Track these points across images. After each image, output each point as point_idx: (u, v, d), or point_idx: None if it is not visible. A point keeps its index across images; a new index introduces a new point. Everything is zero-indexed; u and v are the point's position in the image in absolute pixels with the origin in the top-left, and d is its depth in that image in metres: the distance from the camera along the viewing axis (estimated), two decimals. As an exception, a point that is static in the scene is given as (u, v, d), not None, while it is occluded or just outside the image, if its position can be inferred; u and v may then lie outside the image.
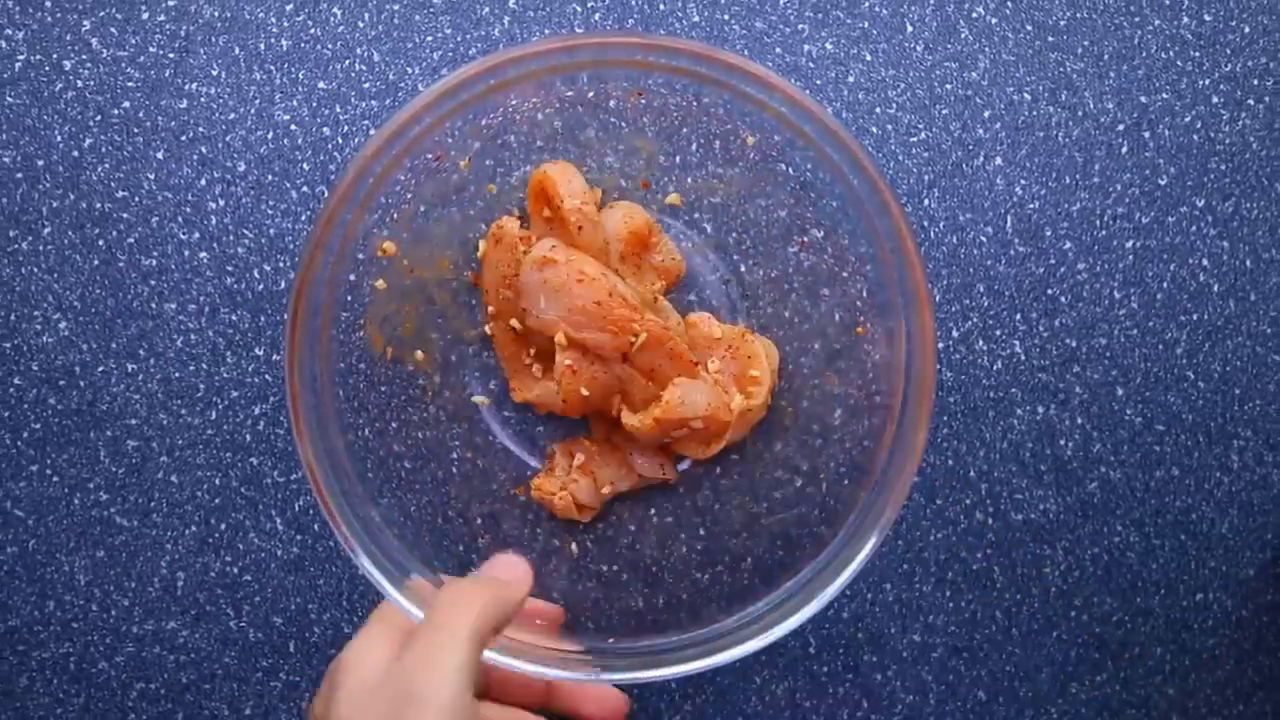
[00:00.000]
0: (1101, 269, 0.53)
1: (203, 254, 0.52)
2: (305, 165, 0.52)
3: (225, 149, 0.52)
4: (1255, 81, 0.54)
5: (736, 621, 0.45)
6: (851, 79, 0.53)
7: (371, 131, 0.52)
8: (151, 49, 0.52)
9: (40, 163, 0.52)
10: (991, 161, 0.53)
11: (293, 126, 0.52)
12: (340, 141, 0.53)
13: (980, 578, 0.53)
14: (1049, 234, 0.53)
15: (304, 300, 0.43)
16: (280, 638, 0.53)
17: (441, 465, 0.51)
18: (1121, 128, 0.54)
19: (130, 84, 0.52)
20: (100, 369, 0.52)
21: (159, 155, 0.53)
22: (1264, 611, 0.54)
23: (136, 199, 0.52)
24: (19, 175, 0.52)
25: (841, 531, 0.45)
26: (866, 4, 0.53)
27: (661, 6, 0.53)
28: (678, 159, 0.50)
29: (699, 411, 0.47)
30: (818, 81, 0.53)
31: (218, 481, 0.52)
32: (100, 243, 0.52)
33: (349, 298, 0.47)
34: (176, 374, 0.52)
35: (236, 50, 0.52)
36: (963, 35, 0.53)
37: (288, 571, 0.53)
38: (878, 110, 0.53)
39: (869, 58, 0.53)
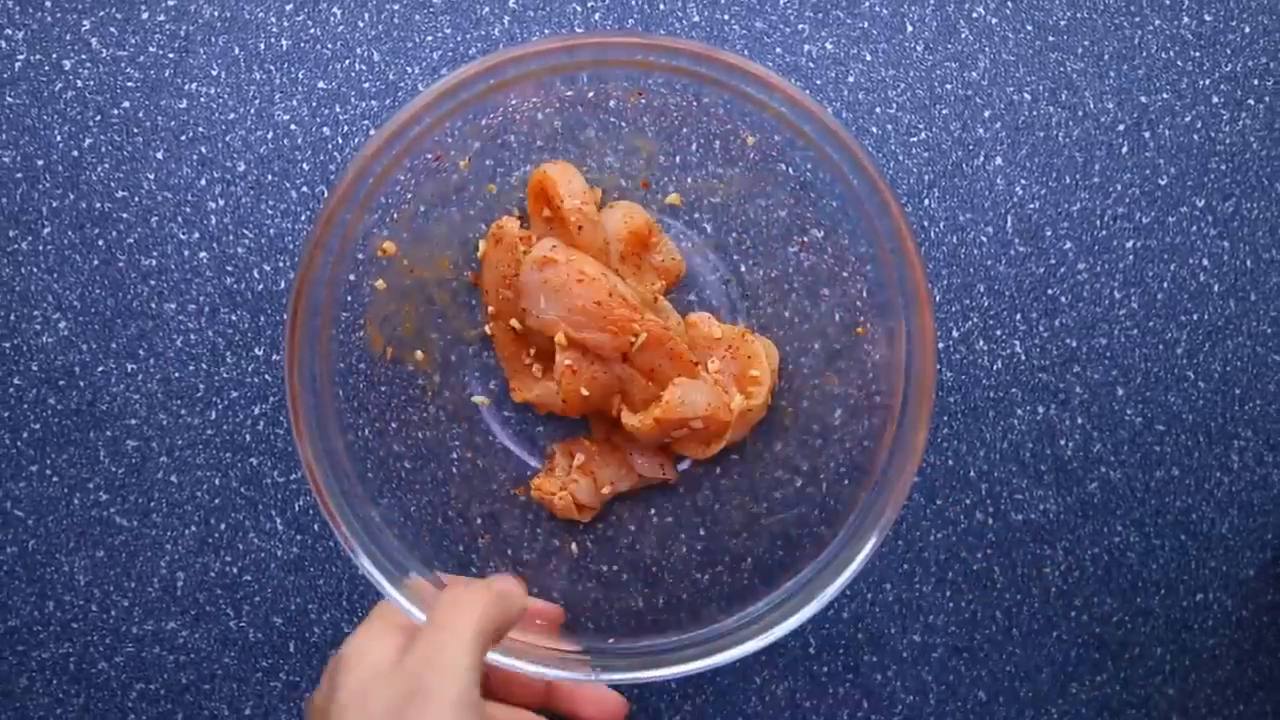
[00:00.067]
0: (1102, 269, 0.53)
1: (203, 254, 0.52)
2: (305, 165, 0.52)
3: (225, 149, 0.52)
4: (1255, 81, 0.54)
5: (736, 621, 0.45)
6: (851, 79, 0.53)
7: (371, 131, 0.52)
8: (151, 49, 0.52)
9: (40, 163, 0.52)
10: (992, 161, 0.53)
11: (293, 126, 0.52)
12: (340, 141, 0.53)
13: (980, 578, 0.53)
14: (1049, 234, 0.53)
15: (304, 300, 0.43)
16: (280, 638, 0.53)
17: (441, 465, 0.51)
18: (1122, 128, 0.54)
19: (130, 84, 0.52)
20: (100, 369, 0.52)
21: (159, 155, 0.53)
22: (1264, 611, 0.54)
23: (136, 199, 0.52)
24: (19, 175, 0.52)
25: (841, 531, 0.45)
26: (866, 4, 0.53)
27: (661, 6, 0.53)
28: (678, 159, 0.50)
29: (699, 411, 0.47)
30: (818, 81, 0.53)
31: (218, 481, 0.52)
32: (100, 243, 0.52)
33: (349, 298, 0.47)
34: (176, 374, 0.52)
35: (236, 50, 0.52)
36: (963, 35, 0.53)
37: (288, 571, 0.53)
38: (878, 110, 0.53)
39: (869, 58, 0.53)
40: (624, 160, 0.50)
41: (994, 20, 0.53)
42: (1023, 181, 0.53)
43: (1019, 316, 0.53)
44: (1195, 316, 0.54)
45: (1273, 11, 0.54)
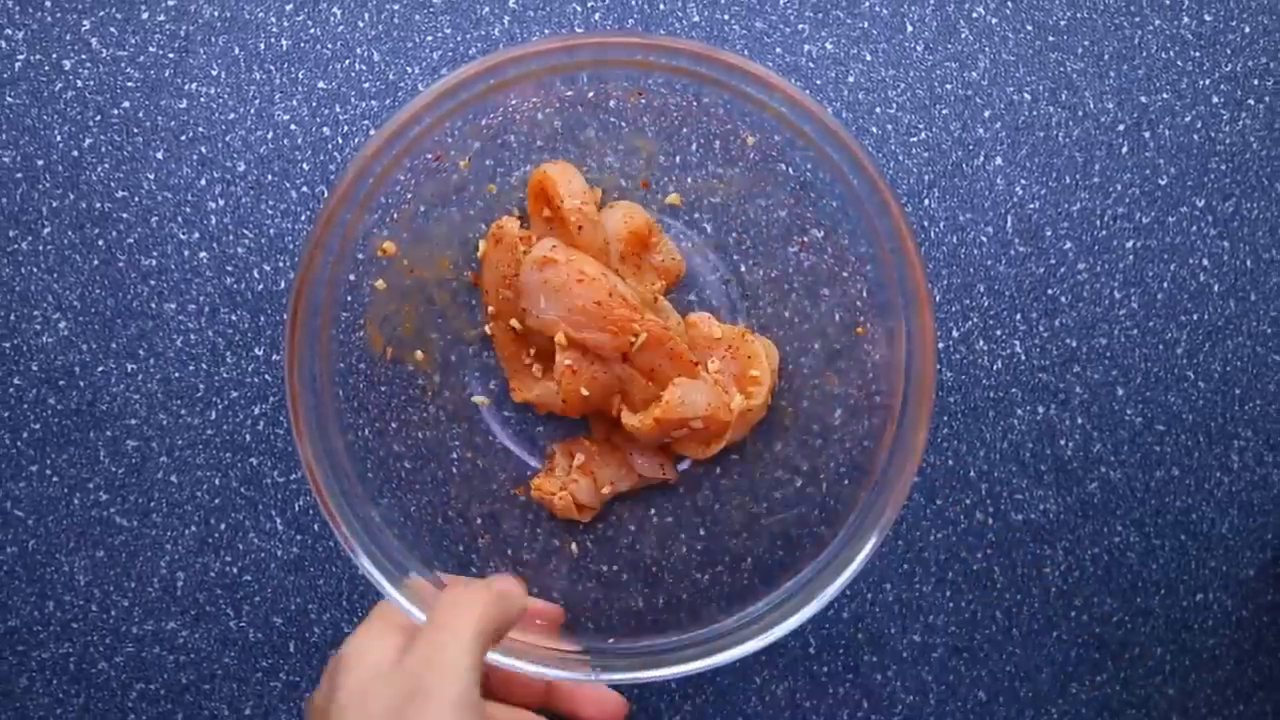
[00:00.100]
0: (1102, 269, 0.53)
1: (202, 254, 0.52)
2: (305, 165, 0.52)
3: (225, 149, 0.52)
4: (1255, 81, 0.54)
5: (736, 621, 0.45)
6: (851, 79, 0.53)
7: (371, 131, 0.52)
8: (151, 49, 0.52)
9: (40, 163, 0.52)
10: (992, 161, 0.53)
11: (293, 126, 0.52)
12: (340, 141, 0.53)
13: (980, 578, 0.53)
14: (1049, 234, 0.53)
15: (304, 300, 0.43)
16: (280, 638, 0.53)
17: (441, 465, 0.51)
18: (1122, 128, 0.54)
19: (130, 84, 0.52)
20: (100, 369, 0.52)
21: (159, 155, 0.53)
22: (1264, 611, 0.54)
23: (136, 199, 0.52)
24: (19, 175, 0.52)
25: (841, 531, 0.45)
26: (866, 4, 0.53)
27: (661, 6, 0.53)
28: (678, 159, 0.50)
29: (699, 411, 0.47)
30: (818, 81, 0.53)
31: (217, 481, 0.52)
32: (100, 243, 0.52)
33: (349, 298, 0.47)
34: (176, 374, 0.52)
35: (236, 50, 0.52)
36: (963, 35, 0.53)
37: (288, 571, 0.53)
38: (878, 110, 0.53)
39: (869, 58, 0.53)
40: (624, 160, 0.50)
41: (994, 20, 0.53)
42: (1023, 181, 0.53)
43: (1019, 316, 0.53)
44: (1195, 316, 0.54)
45: (1273, 11, 0.54)
